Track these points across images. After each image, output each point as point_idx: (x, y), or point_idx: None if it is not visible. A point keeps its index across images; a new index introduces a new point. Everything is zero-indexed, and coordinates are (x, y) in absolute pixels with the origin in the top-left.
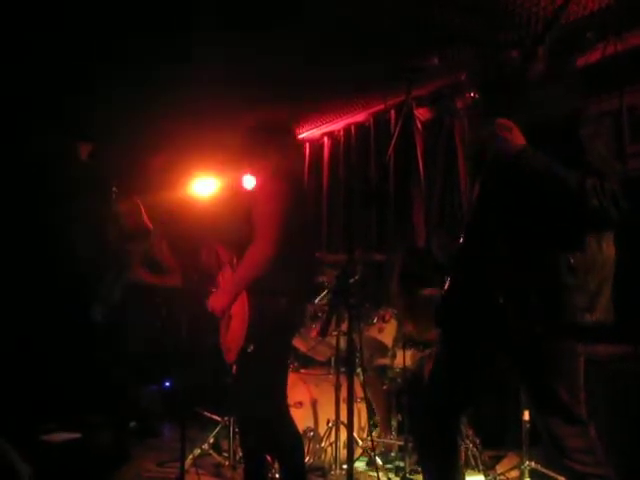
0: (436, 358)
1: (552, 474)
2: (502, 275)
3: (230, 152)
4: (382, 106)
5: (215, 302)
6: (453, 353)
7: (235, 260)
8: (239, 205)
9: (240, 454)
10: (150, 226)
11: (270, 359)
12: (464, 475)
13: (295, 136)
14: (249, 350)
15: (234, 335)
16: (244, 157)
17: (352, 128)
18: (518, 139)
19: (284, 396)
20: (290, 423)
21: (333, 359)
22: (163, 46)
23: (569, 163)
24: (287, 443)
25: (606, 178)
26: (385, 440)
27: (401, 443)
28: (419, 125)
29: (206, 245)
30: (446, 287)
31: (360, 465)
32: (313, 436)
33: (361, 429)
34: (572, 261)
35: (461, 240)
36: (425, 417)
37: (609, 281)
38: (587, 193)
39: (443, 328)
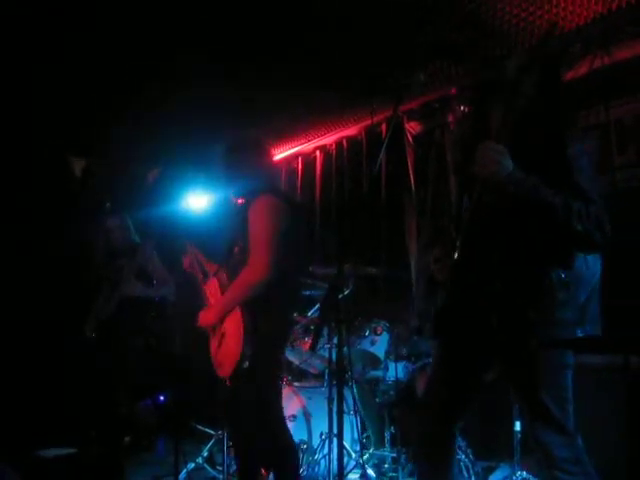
0: (433, 368)
1: None
2: (497, 289)
3: (215, 171)
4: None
5: (204, 318)
6: (450, 362)
7: (224, 272)
8: (227, 218)
9: (234, 468)
10: (138, 241)
11: (265, 375)
12: None
13: (269, 152)
14: (244, 366)
15: (228, 351)
16: (225, 179)
17: (344, 142)
18: (507, 162)
19: (280, 409)
20: (286, 435)
21: (326, 372)
22: (157, 61)
23: (556, 182)
24: (282, 456)
25: (592, 202)
26: (378, 452)
27: (394, 455)
28: (410, 138)
29: (188, 254)
30: (444, 299)
31: (353, 477)
32: (306, 448)
33: (354, 441)
34: (564, 276)
35: (456, 254)
36: (422, 426)
37: (596, 294)
38: (572, 218)
39: (440, 338)
